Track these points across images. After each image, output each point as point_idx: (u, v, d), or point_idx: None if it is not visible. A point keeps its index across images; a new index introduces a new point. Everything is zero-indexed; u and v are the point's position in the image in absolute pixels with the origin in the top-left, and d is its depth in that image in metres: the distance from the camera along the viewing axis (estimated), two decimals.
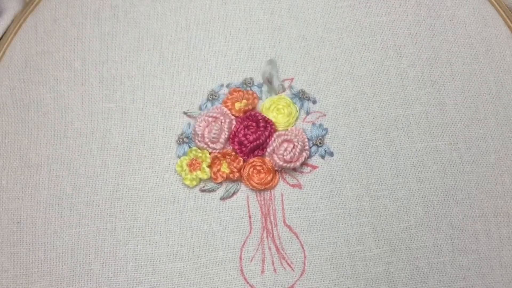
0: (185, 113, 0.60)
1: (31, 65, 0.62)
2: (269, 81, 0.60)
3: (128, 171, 0.59)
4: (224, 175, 0.58)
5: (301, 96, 0.60)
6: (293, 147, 0.57)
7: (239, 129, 0.58)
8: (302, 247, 0.56)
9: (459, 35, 0.61)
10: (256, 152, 0.58)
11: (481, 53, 0.61)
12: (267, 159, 0.58)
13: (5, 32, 0.63)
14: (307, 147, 0.58)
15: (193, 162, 0.58)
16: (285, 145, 0.57)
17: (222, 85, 0.61)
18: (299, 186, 0.58)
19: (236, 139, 0.58)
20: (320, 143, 0.58)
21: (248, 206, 0.57)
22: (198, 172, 0.58)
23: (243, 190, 0.58)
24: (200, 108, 0.60)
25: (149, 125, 0.60)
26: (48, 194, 0.58)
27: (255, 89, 0.60)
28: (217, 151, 0.58)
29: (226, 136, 0.58)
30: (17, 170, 0.59)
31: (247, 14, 0.63)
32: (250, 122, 0.58)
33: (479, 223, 0.56)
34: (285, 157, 0.57)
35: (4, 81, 0.61)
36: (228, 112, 0.59)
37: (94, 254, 0.57)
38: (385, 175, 0.57)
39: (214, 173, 0.58)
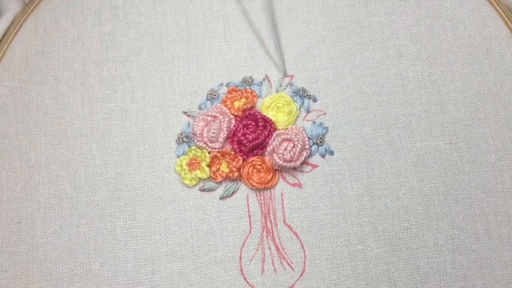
0: (184, 112, 0.60)
1: (31, 65, 0.62)
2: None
3: (127, 171, 0.59)
4: (224, 175, 0.57)
5: (302, 94, 0.60)
6: (293, 146, 0.57)
7: (238, 128, 0.58)
8: (302, 247, 0.56)
9: (459, 35, 0.61)
10: (255, 151, 0.58)
11: (481, 53, 0.61)
12: (266, 158, 0.58)
13: (5, 33, 0.63)
14: (307, 146, 0.58)
15: (193, 161, 0.58)
16: (285, 144, 0.57)
17: (221, 84, 0.61)
18: (299, 185, 0.58)
19: (235, 139, 0.58)
20: (321, 142, 0.58)
21: (248, 206, 0.57)
22: (198, 171, 0.58)
23: (243, 189, 0.58)
24: (199, 108, 0.60)
25: (149, 125, 0.60)
26: (48, 194, 0.58)
27: (254, 87, 0.60)
28: (216, 150, 0.58)
29: (225, 135, 0.58)
30: (17, 170, 0.59)
31: (247, 13, 0.63)
32: (249, 121, 0.58)
33: (480, 222, 0.56)
34: (285, 157, 0.57)
35: (4, 81, 0.61)
36: (227, 111, 0.59)
37: (93, 254, 0.57)
38: (386, 174, 0.57)
39: (214, 173, 0.58)
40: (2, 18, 0.63)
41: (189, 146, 0.59)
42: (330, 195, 0.57)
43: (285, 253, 0.56)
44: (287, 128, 0.59)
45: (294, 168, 0.58)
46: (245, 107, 0.59)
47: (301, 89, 0.60)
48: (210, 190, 0.58)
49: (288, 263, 0.56)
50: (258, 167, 0.58)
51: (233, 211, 0.57)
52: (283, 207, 0.57)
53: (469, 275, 0.55)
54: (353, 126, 0.59)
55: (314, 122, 0.59)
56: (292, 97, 0.60)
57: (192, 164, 0.58)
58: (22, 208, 0.58)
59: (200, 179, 0.58)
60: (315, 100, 0.60)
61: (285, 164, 0.57)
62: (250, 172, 0.57)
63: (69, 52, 0.62)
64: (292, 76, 0.61)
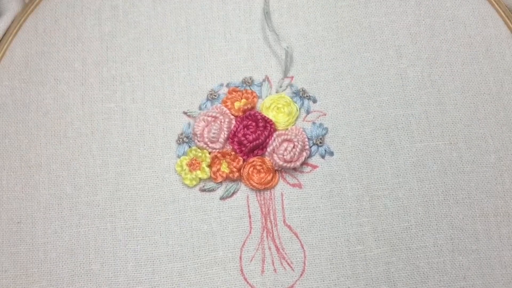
0: (185, 113, 0.60)
1: (31, 65, 0.62)
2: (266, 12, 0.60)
3: (128, 171, 0.59)
4: (224, 175, 0.58)
5: (302, 95, 0.60)
6: (293, 147, 0.57)
7: (238, 129, 0.58)
8: (302, 247, 0.56)
9: (459, 35, 0.61)
10: (256, 152, 0.58)
11: (481, 53, 0.61)
12: (267, 158, 0.58)
13: (5, 33, 0.63)
14: (307, 147, 0.58)
15: (193, 161, 0.58)
16: (285, 144, 0.57)
17: (221, 85, 0.61)
18: (299, 185, 0.58)
19: (236, 139, 0.58)
20: (320, 142, 0.58)
21: (248, 206, 0.57)
22: (198, 171, 0.58)
23: (243, 189, 0.58)
24: (200, 108, 0.60)
25: (149, 125, 0.60)
26: (48, 194, 0.58)
27: (254, 88, 0.60)
28: (217, 150, 0.58)
29: (225, 135, 0.58)
30: (17, 170, 0.59)
31: (246, 14, 0.63)
32: (250, 122, 0.58)
33: (479, 223, 0.56)
34: (285, 157, 0.57)
35: (4, 81, 0.61)
36: (228, 111, 0.59)
37: (94, 254, 0.57)
38: (385, 174, 0.57)
39: (214, 173, 0.58)
40: (2, 18, 0.63)
41: (190, 147, 0.59)
42: (330, 195, 0.57)
43: (285, 253, 0.56)
44: (287, 129, 0.59)
45: (294, 169, 0.58)
46: (246, 107, 0.59)
47: (301, 90, 0.60)
48: (211, 190, 0.58)
49: (288, 263, 0.56)
50: (258, 167, 0.58)
51: (233, 212, 0.57)
52: (283, 207, 0.57)
53: (469, 275, 0.55)
54: (352, 127, 0.59)
55: (314, 123, 0.59)
56: (292, 98, 0.60)
57: (193, 165, 0.58)
58: (22, 208, 0.58)
59: (200, 179, 0.58)
60: (315, 101, 0.60)
61: (285, 164, 0.57)
62: (250, 172, 0.57)
63: (69, 52, 0.62)
64: (292, 77, 0.61)
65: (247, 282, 0.56)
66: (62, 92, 0.61)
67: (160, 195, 0.58)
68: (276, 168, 0.58)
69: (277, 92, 0.60)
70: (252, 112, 0.58)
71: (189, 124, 0.59)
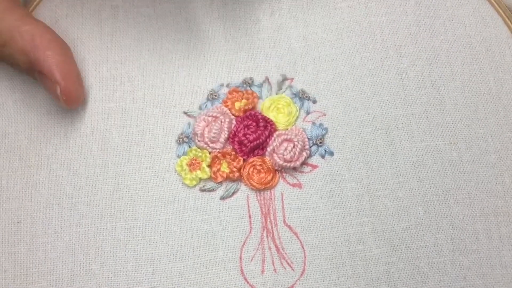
0: (185, 113, 0.60)
1: None
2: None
3: (128, 171, 0.59)
4: (224, 175, 0.58)
5: (301, 96, 0.60)
6: (293, 147, 0.57)
7: (239, 129, 0.58)
8: (302, 247, 0.56)
9: (459, 35, 0.61)
10: (256, 152, 0.58)
11: (481, 53, 0.61)
12: (267, 158, 0.58)
13: None
14: (307, 147, 0.58)
15: (193, 161, 0.58)
16: (285, 144, 0.57)
17: (222, 85, 0.61)
18: (299, 185, 0.58)
19: (236, 139, 0.58)
20: (320, 142, 0.58)
21: (248, 206, 0.57)
22: (198, 171, 0.58)
23: (243, 189, 0.58)
24: (200, 108, 0.60)
25: (149, 125, 0.60)
26: (48, 194, 0.58)
27: (255, 88, 0.60)
28: (217, 150, 0.58)
29: (226, 135, 0.58)
30: (17, 170, 0.59)
31: (247, 14, 0.63)
32: (250, 122, 0.58)
33: (480, 222, 0.56)
34: (285, 157, 0.57)
35: (4, 81, 0.61)
36: (228, 111, 0.59)
37: (94, 254, 0.57)
38: (385, 174, 0.57)
39: (214, 173, 0.58)
40: None
41: (190, 147, 0.59)
42: (330, 195, 0.57)
43: (285, 253, 0.56)
44: (287, 129, 0.59)
45: (294, 169, 0.58)
46: (246, 108, 0.59)
47: (300, 91, 0.60)
48: (211, 190, 0.58)
49: (288, 263, 0.56)
50: (258, 167, 0.58)
51: (234, 212, 0.57)
52: (283, 207, 0.57)
53: (469, 275, 0.55)
54: (352, 127, 0.59)
55: (314, 123, 0.59)
56: (292, 99, 0.60)
57: (193, 165, 0.58)
58: (22, 208, 0.58)
59: (200, 179, 0.58)
60: (314, 102, 0.60)
61: (285, 164, 0.57)
62: (250, 172, 0.58)
63: None
64: (292, 78, 0.61)
65: (247, 282, 0.56)
66: None
67: (160, 195, 0.58)
68: (276, 168, 0.58)
69: (277, 93, 0.60)
70: (252, 112, 0.59)
71: (189, 124, 0.59)
